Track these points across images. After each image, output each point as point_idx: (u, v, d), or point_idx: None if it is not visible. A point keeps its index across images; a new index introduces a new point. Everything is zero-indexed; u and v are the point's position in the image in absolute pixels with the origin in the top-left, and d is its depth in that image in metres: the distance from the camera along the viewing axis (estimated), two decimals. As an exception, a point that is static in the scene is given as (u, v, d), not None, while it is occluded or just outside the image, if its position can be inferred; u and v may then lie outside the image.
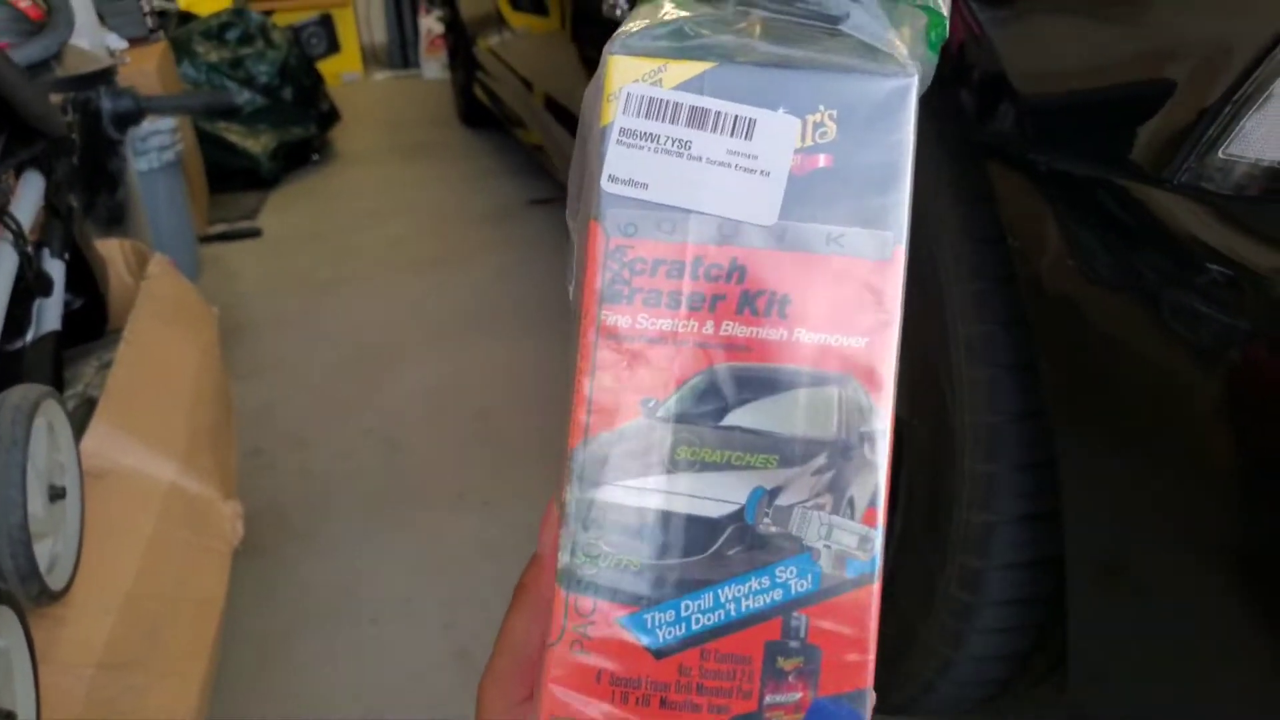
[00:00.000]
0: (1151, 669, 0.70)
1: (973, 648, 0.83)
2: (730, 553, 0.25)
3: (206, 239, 2.57)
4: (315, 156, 3.36)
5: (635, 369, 0.25)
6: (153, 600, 0.91)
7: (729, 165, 0.25)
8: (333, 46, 4.63)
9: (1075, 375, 0.70)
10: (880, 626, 0.25)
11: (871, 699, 0.25)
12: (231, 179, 2.97)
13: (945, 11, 0.27)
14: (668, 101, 0.25)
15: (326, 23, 4.63)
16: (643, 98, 0.25)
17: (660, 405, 0.25)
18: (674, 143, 0.25)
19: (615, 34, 0.26)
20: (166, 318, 1.25)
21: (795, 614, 0.25)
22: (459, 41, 3.39)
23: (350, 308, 2.17)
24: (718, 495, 0.25)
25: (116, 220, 1.64)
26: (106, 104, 1.58)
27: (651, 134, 0.25)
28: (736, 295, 0.25)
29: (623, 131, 0.25)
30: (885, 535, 0.26)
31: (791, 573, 0.25)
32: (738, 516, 0.25)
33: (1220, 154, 0.58)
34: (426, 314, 2.10)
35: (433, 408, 1.71)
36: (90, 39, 1.74)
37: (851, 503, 0.25)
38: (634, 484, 0.25)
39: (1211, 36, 0.59)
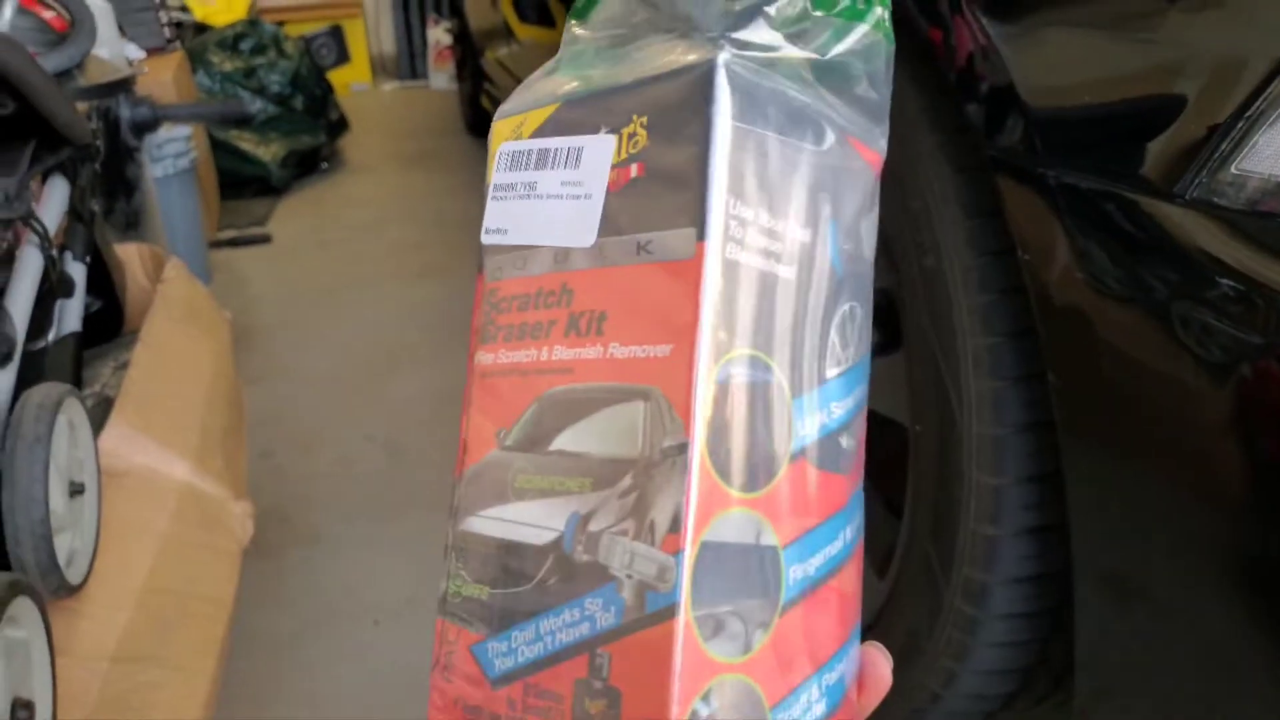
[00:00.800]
0: (1158, 684, 0.70)
1: (977, 661, 0.83)
2: (550, 582, 0.24)
3: (217, 244, 2.59)
4: (324, 165, 3.38)
5: (495, 402, 0.26)
6: (165, 597, 0.91)
7: (561, 196, 0.25)
8: (343, 57, 4.66)
9: (1084, 388, 0.71)
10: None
11: None
12: (243, 186, 2.99)
13: None
14: (524, 151, 0.26)
15: (337, 34, 4.67)
16: (510, 152, 0.26)
17: (508, 434, 0.25)
18: (525, 186, 0.26)
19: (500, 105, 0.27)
20: (182, 321, 1.26)
21: (599, 651, 0.23)
22: (467, 53, 3.41)
23: (356, 313, 2.18)
24: (543, 522, 0.24)
25: (133, 225, 1.66)
26: (125, 112, 1.59)
27: (512, 184, 0.26)
28: (564, 319, 0.25)
29: (495, 187, 0.27)
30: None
31: (598, 605, 0.23)
32: (557, 544, 0.24)
33: (1232, 169, 0.59)
34: (430, 320, 2.12)
35: (436, 412, 1.72)
36: (110, 49, 1.77)
37: (652, 527, 0.22)
38: (487, 514, 0.25)
39: (1224, 52, 0.60)
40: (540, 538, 0.24)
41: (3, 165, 0.86)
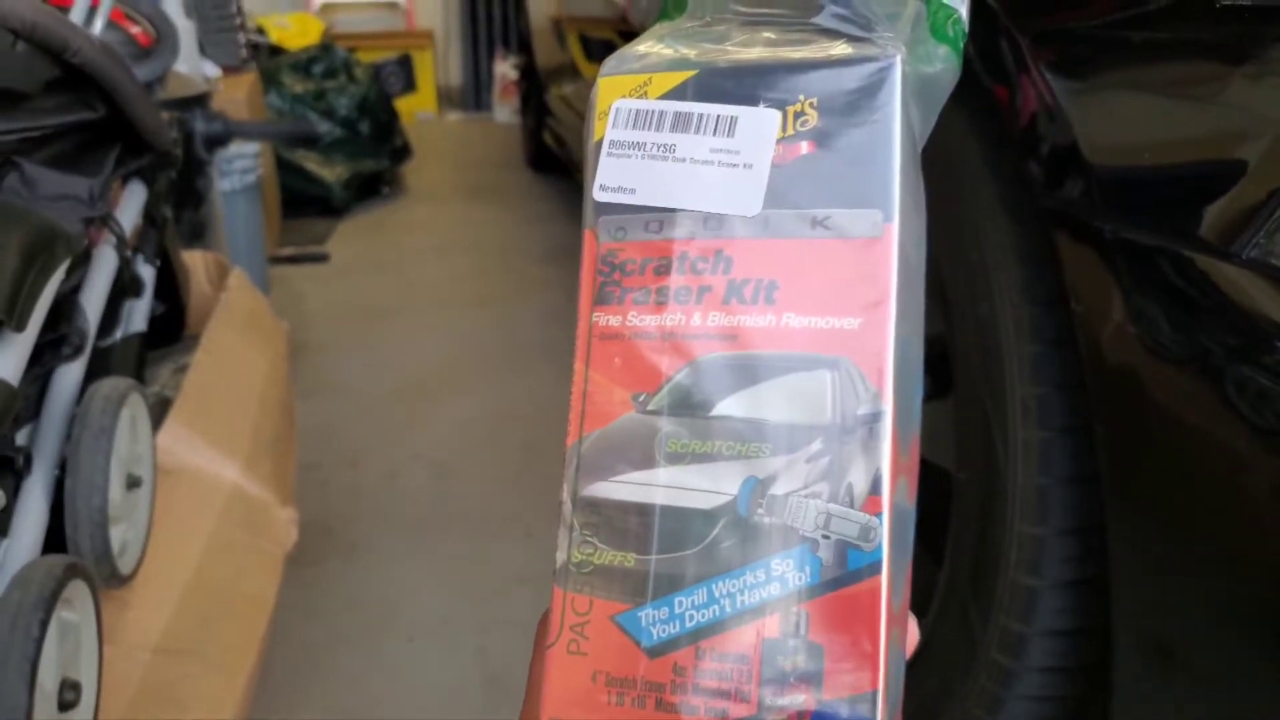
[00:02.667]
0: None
1: (1009, 714, 0.82)
2: (724, 546, 0.24)
3: (276, 260, 2.65)
4: (385, 189, 3.46)
5: (627, 366, 0.25)
6: (208, 593, 0.93)
7: (712, 163, 0.25)
8: (410, 85, 4.78)
9: (1131, 444, 0.71)
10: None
11: (882, 707, 0.23)
12: (305, 205, 3.07)
13: (958, 5, 0.27)
14: (653, 111, 0.26)
15: (406, 63, 4.80)
16: (630, 110, 0.26)
17: (650, 399, 0.25)
18: (659, 148, 0.26)
19: (604, 61, 0.27)
20: (241, 329, 1.30)
21: (794, 609, 0.23)
22: (532, 88, 3.48)
23: (408, 336, 2.22)
24: (709, 487, 0.24)
25: (198, 235, 1.71)
26: (200, 126, 1.65)
27: (639, 142, 0.26)
28: (723, 286, 0.25)
29: (612, 144, 0.26)
30: (904, 536, 0.25)
31: (788, 565, 0.23)
32: (730, 508, 0.24)
33: None
34: (480, 347, 2.15)
35: (481, 437, 1.74)
36: (189, 65, 1.84)
37: (850, 490, 0.23)
38: (626, 479, 0.25)
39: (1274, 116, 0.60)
40: (707, 502, 0.24)
41: (89, 166, 0.91)
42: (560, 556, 0.25)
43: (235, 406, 1.17)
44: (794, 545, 0.23)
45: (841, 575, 0.23)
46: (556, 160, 3.25)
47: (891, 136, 0.24)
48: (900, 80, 0.24)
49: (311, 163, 3.07)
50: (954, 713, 0.86)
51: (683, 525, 0.24)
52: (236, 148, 2.08)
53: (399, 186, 3.59)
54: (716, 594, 0.24)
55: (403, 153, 3.58)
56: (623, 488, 0.25)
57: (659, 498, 0.24)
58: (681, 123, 0.26)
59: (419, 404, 1.88)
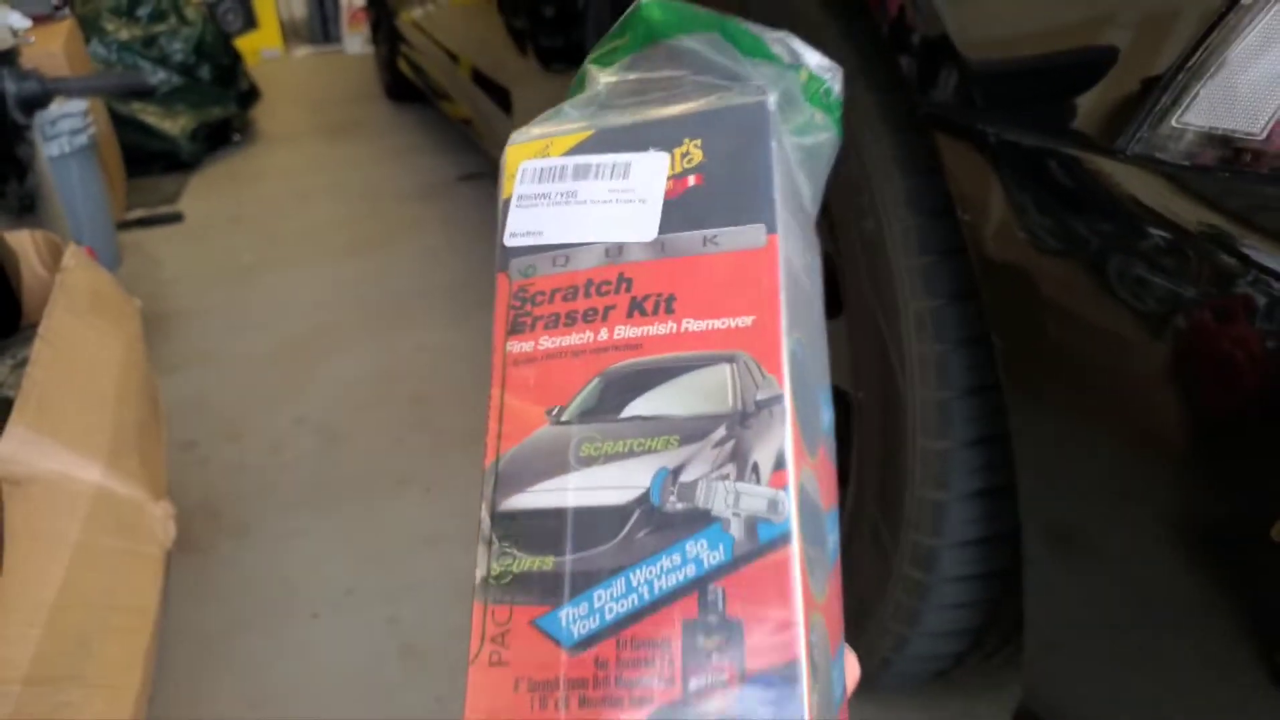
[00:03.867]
0: (1105, 637, 0.71)
1: (928, 624, 0.83)
2: (639, 536, 0.25)
3: (126, 225, 2.47)
4: (237, 137, 3.25)
5: (540, 385, 0.27)
6: (82, 611, 0.86)
7: (611, 201, 0.28)
8: (250, 22, 4.47)
9: (1027, 347, 0.70)
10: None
11: (806, 674, 0.23)
12: (150, 162, 2.86)
13: (827, 76, 0.31)
14: (555, 166, 0.29)
15: (243, -3, 4.47)
16: (535, 168, 0.29)
17: (563, 411, 0.27)
18: (563, 195, 0.29)
19: (510, 135, 0.31)
20: (85, 312, 1.19)
21: (711, 588, 0.24)
22: (381, 14, 3.30)
23: (278, 293, 2.10)
24: (622, 483, 0.25)
25: (28, 209, 1.56)
26: (10, 86, 1.49)
27: (544, 193, 0.29)
28: (625, 303, 0.27)
29: (520, 198, 0.29)
30: (837, 507, 0.26)
31: (702, 546, 0.24)
32: (643, 500, 0.25)
33: (1173, 123, 0.58)
34: (357, 298, 2.05)
35: (367, 395, 1.67)
36: (-11, 17, 1.65)
37: (756, 468, 0.25)
38: (541, 487, 0.26)
39: (1161, 1, 0.59)
40: (620, 497, 0.25)
41: None
42: (479, 573, 0.26)
43: (88, 399, 1.07)
44: (706, 526, 0.24)
45: (754, 549, 0.24)
46: (415, 89, 3.09)
47: (768, 159, 0.28)
48: (772, 112, 0.28)
49: (151, 115, 2.86)
50: (873, 629, 0.86)
51: (598, 522, 0.25)
52: (60, 107, 1.90)
53: (251, 132, 3.37)
54: (634, 583, 0.24)
55: (250, 95, 3.36)
56: (538, 495, 0.26)
57: (572, 500, 0.26)
58: (581, 172, 0.29)
59: (297, 366, 1.79)
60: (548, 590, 0.25)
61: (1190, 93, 0.57)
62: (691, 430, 0.25)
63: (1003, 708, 0.78)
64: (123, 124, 2.71)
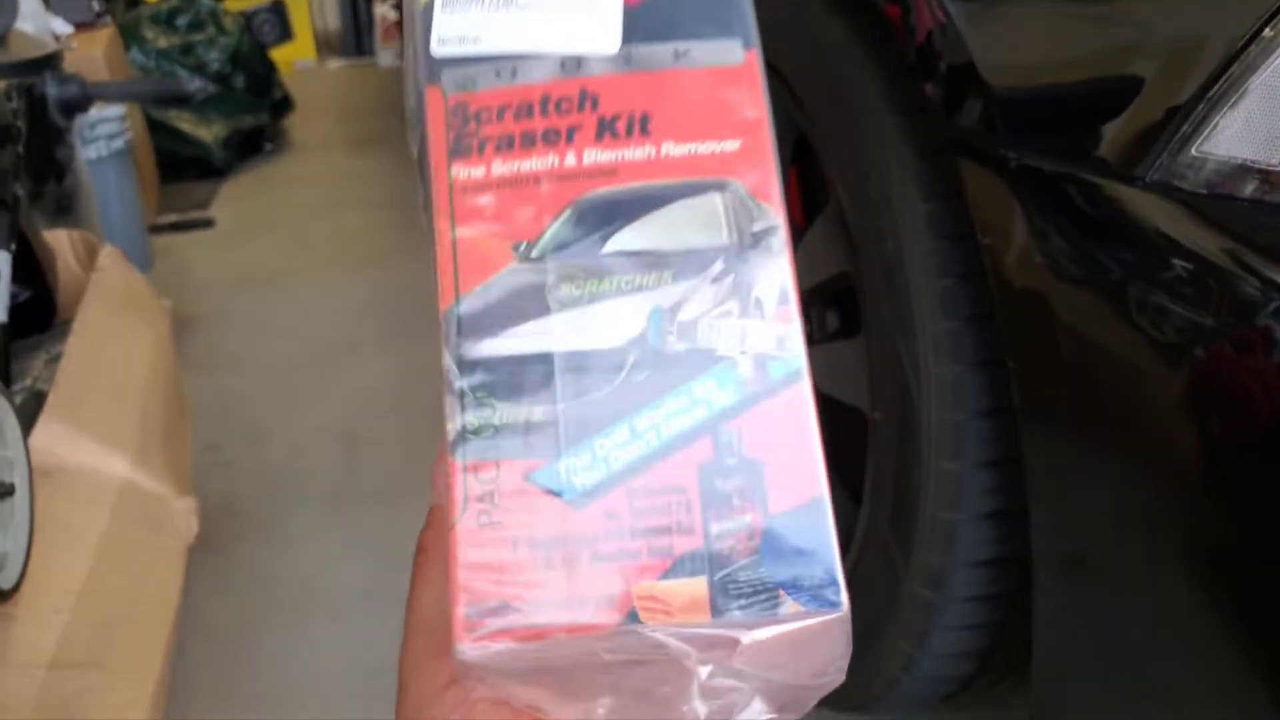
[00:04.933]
0: (1114, 665, 0.71)
1: (936, 645, 0.83)
2: (639, 380, 0.23)
3: (157, 229, 2.51)
4: (268, 146, 3.30)
5: (500, 216, 0.24)
6: (106, 599, 0.88)
7: (560, 8, 0.25)
8: (286, 33, 4.53)
9: (1043, 372, 0.71)
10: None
11: (830, 512, 0.23)
12: (183, 168, 2.91)
13: None
14: None
15: (279, 9, 4.54)
16: None
17: (533, 246, 0.24)
18: None
19: None
20: (117, 310, 1.22)
21: (724, 429, 0.23)
22: (416, 31, 3.34)
23: (305, 300, 2.13)
24: (614, 324, 0.23)
25: (65, 210, 1.59)
26: (52, 90, 1.53)
27: None
28: (593, 123, 0.24)
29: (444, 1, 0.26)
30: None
31: (710, 387, 0.23)
32: (640, 341, 0.23)
33: (1193, 151, 0.59)
34: (383, 307, 2.08)
35: (388, 404, 1.69)
36: (35, 23, 1.69)
37: (760, 303, 0.24)
38: (517, 332, 0.23)
39: (1184, 32, 0.60)
40: (613, 340, 0.23)
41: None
42: (452, 426, 0.23)
43: (118, 395, 1.10)
44: (712, 366, 0.23)
45: (766, 387, 0.23)
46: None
47: None
48: None
49: (186, 123, 2.90)
50: (882, 650, 0.87)
51: (590, 367, 0.23)
52: (99, 112, 1.94)
53: (282, 141, 3.42)
54: (640, 429, 0.23)
55: (283, 105, 3.41)
56: (515, 341, 0.23)
57: (558, 343, 0.23)
58: None
59: (321, 373, 1.81)
60: (540, 442, 0.23)
61: (1211, 122, 0.58)
62: (685, 265, 0.24)
63: (1010, 731, 0.79)
64: (158, 130, 2.76)
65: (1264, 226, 0.58)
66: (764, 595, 0.22)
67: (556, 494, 0.22)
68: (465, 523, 0.22)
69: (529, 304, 0.23)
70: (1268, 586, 0.60)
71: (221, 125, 3.00)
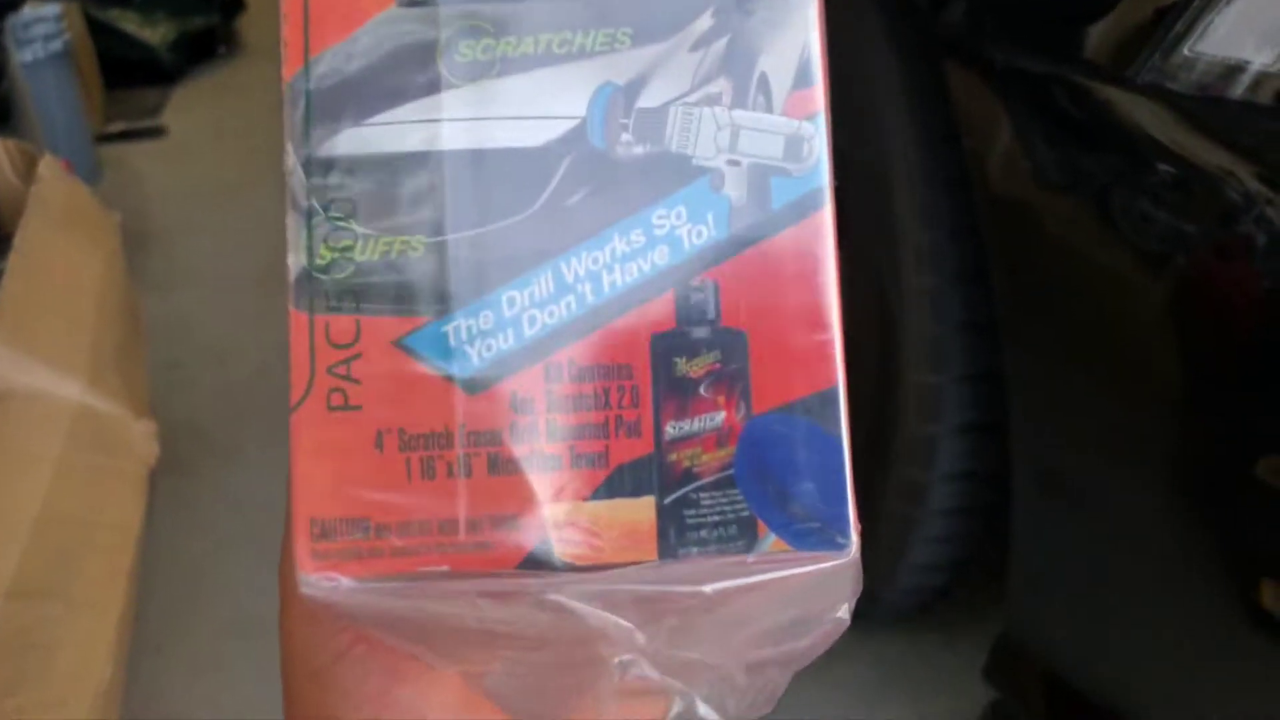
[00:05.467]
0: (1089, 576, 0.71)
1: (914, 557, 0.83)
2: (572, 200, 0.16)
3: (105, 138, 2.41)
4: (221, 49, 3.16)
5: None
6: (64, 527, 0.86)
7: None
8: (234, -72, 4.31)
9: (1025, 282, 0.69)
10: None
11: (845, 415, 0.17)
12: (130, 73, 2.77)
13: None
14: None
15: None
16: None
17: None
18: None
19: None
20: (61, 225, 1.16)
21: (695, 283, 0.16)
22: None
23: (266, 214, 2.06)
24: (539, 109, 0.16)
25: (2, 118, 1.52)
26: (-22, -14, 1.44)
27: None
28: None
29: None
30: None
31: (679, 215, 0.16)
32: (576, 138, 0.16)
33: (1185, 51, 0.57)
34: (347, 219, 2.02)
35: (357, 317, 1.65)
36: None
37: (765, 84, 0.16)
38: (392, 117, 0.16)
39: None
40: (536, 135, 0.16)
41: None
42: (296, 261, 0.17)
43: (67, 314, 1.05)
44: (685, 183, 0.16)
45: (764, 218, 0.16)
46: None
47: None
48: None
49: (130, 23, 2.77)
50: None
51: (500, 177, 0.16)
52: (31, 10, 1.84)
53: (236, 44, 3.28)
54: (568, 277, 0.16)
55: (235, 5, 3.26)
56: (388, 131, 0.16)
57: (452, 139, 0.16)
58: None
59: (282, 289, 1.76)
60: (420, 291, 0.16)
61: (1205, 20, 0.55)
62: (654, 19, 0.16)
63: (983, 639, 0.79)
64: (100, 33, 2.62)
65: (1253, 129, 0.56)
66: (735, 529, 0.16)
67: (442, 368, 0.16)
68: (311, 406, 0.16)
69: (412, 74, 0.16)
70: (1240, 495, 0.60)
71: (169, 26, 2.87)
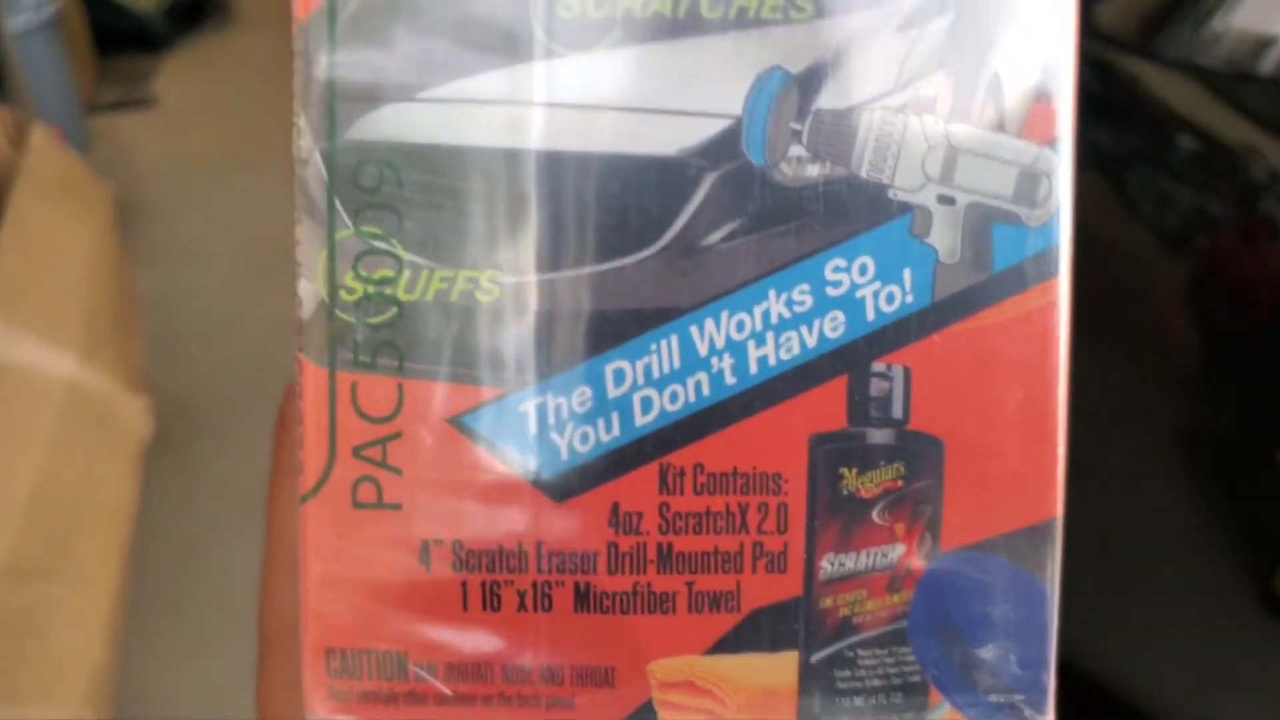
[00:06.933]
0: (1099, 560, 0.70)
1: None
2: (714, 238, 0.11)
3: (96, 109, 2.38)
4: (214, 18, 3.12)
5: None
6: (58, 505, 0.84)
7: None
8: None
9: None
10: None
11: (1059, 552, 0.13)
12: (121, 42, 2.73)
13: None
14: None
15: None
16: None
17: None
18: None
19: None
20: (54, 196, 1.14)
21: (879, 366, 0.12)
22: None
23: (261, 186, 2.04)
24: (673, 101, 0.11)
25: (-9, 87, 1.49)
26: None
27: None
28: None
29: None
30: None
31: (863, 270, 0.12)
32: (726, 146, 0.11)
33: (1215, 25, 0.55)
34: (343, 193, 2.00)
35: (353, 293, 1.63)
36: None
37: (998, 88, 0.12)
38: (462, 90, 0.11)
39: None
40: (665, 139, 0.11)
41: None
42: (310, 291, 0.12)
43: (59, 288, 1.04)
44: (877, 222, 0.12)
45: (981, 283, 0.12)
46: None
47: None
48: None
49: (120, -9, 2.72)
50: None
51: (612, 195, 0.11)
52: (22, -21, 1.80)
53: (228, 14, 3.23)
54: (701, 347, 0.11)
55: (227, -26, 3.21)
56: (454, 112, 0.11)
57: (546, 135, 0.11)
58: None
59: (279, 264, 1.74)
60: (490, 351, 0.12)
61: (1239, -7, 0.54)
62: None
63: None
64: (89, 0, 2.58)
65: (1281, 106, 0.55)
66: (901, 696, 0.12)
67: (517, 462, 0.12)
68: (330, 497, 0.12)
69: (491, 30, 0.11)
70: (1257, 479, 0.59)
71: (160, -5, 2.82)
